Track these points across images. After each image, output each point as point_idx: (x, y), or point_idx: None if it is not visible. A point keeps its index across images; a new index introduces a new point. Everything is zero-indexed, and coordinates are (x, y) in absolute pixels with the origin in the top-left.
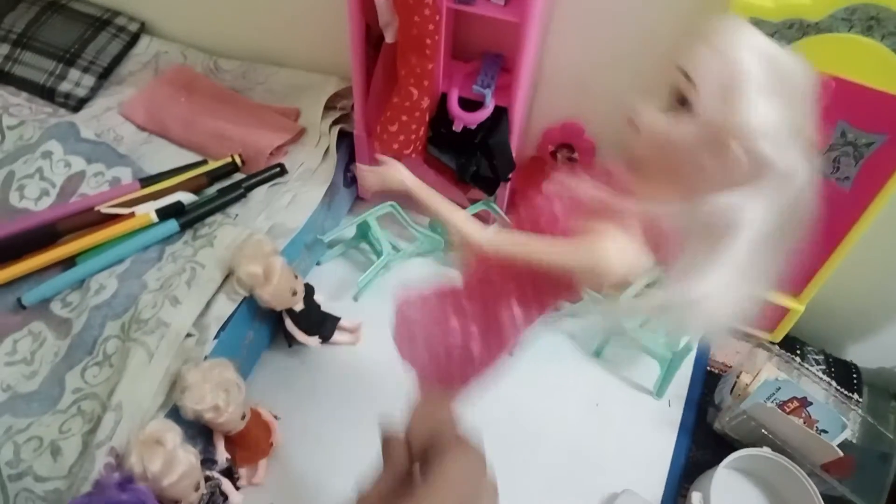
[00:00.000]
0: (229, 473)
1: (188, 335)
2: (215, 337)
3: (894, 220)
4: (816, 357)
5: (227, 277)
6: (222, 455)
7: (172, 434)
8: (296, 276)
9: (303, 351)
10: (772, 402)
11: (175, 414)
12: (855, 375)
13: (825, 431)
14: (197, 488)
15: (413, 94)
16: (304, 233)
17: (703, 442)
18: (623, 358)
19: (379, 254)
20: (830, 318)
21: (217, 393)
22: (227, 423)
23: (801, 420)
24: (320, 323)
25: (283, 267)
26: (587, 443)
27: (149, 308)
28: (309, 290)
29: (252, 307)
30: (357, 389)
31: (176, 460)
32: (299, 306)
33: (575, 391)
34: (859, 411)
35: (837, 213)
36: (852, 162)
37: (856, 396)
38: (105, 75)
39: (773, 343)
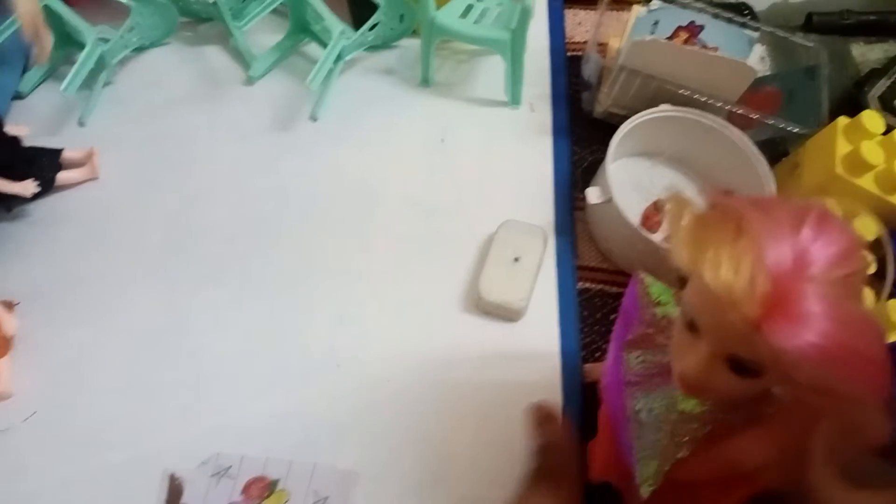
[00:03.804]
0: None
1: None
2: None
3: None
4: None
5: None
6: None
7: None
8: None
9: (27, 209)
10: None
11: None
12: (748, 12)
13: None
14: None
15: None
16: None
17: (588, 138)
18: (458, 75)
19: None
20: None
21: None
22: None
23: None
24: (30, 161)
25: None
26: (446, 187)
27: None
28: None
29: None
30: (106, 234)
31: None
32: None
33: (411, 133)
34: (763, 35)
35: None
36: None
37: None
38: None
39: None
